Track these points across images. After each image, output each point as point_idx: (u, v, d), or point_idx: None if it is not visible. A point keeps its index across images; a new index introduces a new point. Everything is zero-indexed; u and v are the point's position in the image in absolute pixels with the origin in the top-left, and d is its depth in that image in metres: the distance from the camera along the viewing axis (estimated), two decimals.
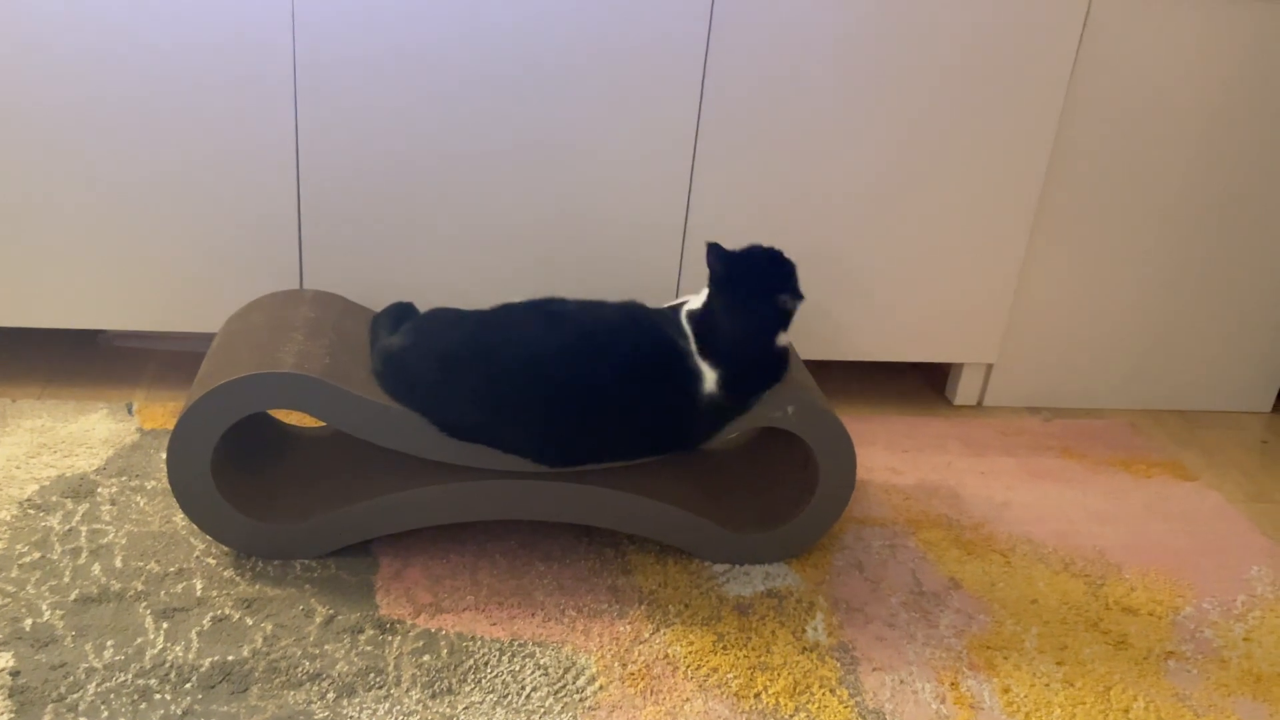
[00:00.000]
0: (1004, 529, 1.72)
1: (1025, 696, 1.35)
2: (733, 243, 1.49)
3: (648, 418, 1.43)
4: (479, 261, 1.84)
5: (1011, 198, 1.94)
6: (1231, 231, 2.06)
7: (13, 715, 1.18)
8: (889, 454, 1.92)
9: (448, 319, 1.48)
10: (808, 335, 1.95)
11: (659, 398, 1.42)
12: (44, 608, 1.33)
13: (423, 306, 1.58)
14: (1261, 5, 1.86)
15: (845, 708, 1.30)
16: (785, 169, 1.85)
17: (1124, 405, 2.20)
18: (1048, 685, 1.38)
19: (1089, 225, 2.00)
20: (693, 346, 1.44)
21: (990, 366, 2.11)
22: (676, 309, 1.50)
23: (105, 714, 1.18)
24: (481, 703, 1.25)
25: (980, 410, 2.13)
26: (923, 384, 2.22)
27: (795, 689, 1.33)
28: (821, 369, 2.13)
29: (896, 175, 1.89)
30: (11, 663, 1.24)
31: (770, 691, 1.32)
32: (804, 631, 1.43)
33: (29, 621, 1.31)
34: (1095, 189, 1.97)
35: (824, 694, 1.32)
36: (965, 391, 2.14)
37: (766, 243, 1.50)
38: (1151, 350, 2.15)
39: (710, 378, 1.42)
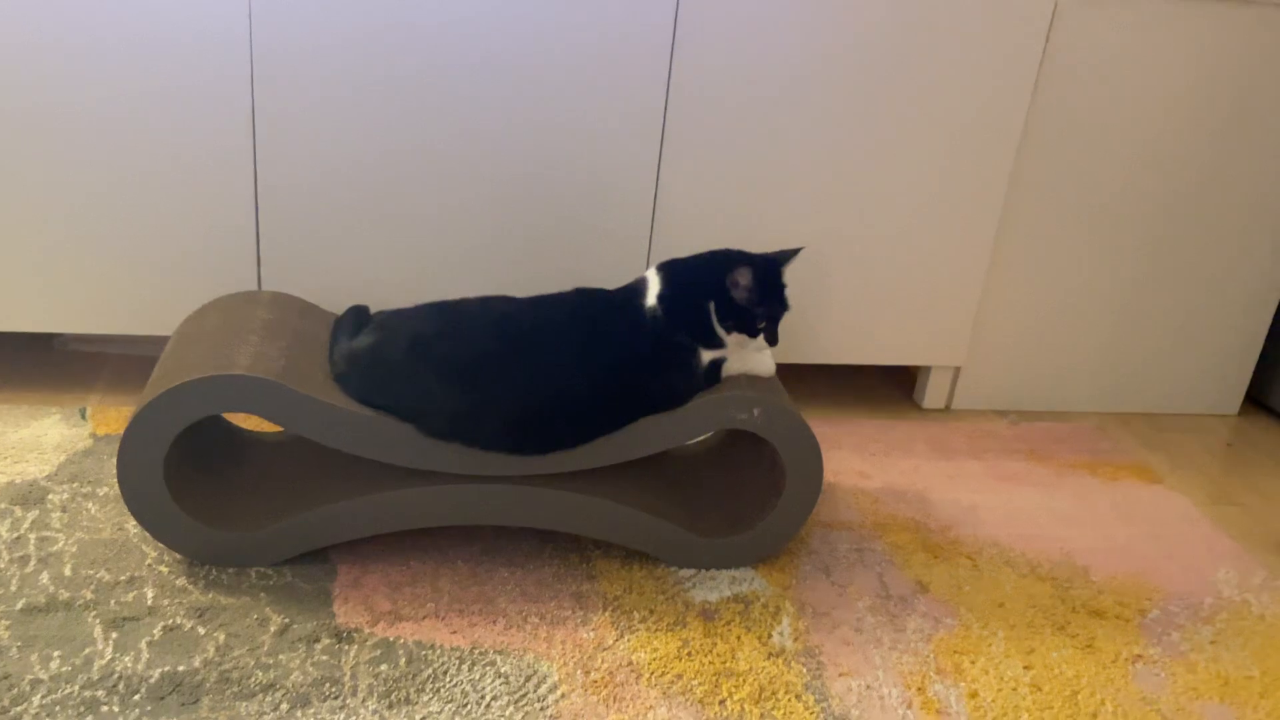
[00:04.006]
0: (971, 532, 1.71)
1: (993, 701, 1.34)
2: (697, 246, 1.47)
3: (616, 375, 1.42)
4: (438, 261, 1.82)
5: (977, 202, 1.93)
6: (1197, 235, 2.06)
7: None
8: (857, 457, 1.91)
9: (407, 312, 1.47)
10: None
11: (622, 352, 1.42)
12: None
13: (383, 306, 1.55)
14: (1226, 7, 1.87)
15: (811, 714, 1.29)
16: (750, 173, 1.84)
17: (1091, 408, 2.20)
18: (1015, 689, 1.37)
19: (1055, 228, 2.00)
20: (647, 301, 1.44)
21: (958, 370, 2.11)
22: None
23: None
24: (440, 713, 1.22)
25: (948, 413, 2.13)
26: (891, 388, 2.21)
27: (761, 695, 1.31)
28: (790, 372, 2.11)
29: (862, 179, 1.88)
30: None
31: (735, 698, 1.30)
32: (770, 637, 1.41)
33: None
34: (1060, 192, 1.97)
35: (790, 700, 1.30)
36: (933, 395, 2.13)
37: (733, 243, 1.48)
38: (1118, 353, 2.15)
39: (661, 318, 1.43)
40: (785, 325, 1.49)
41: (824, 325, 1.98)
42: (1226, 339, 2.18)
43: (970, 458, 1.95)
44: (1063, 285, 2.06)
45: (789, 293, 1.48)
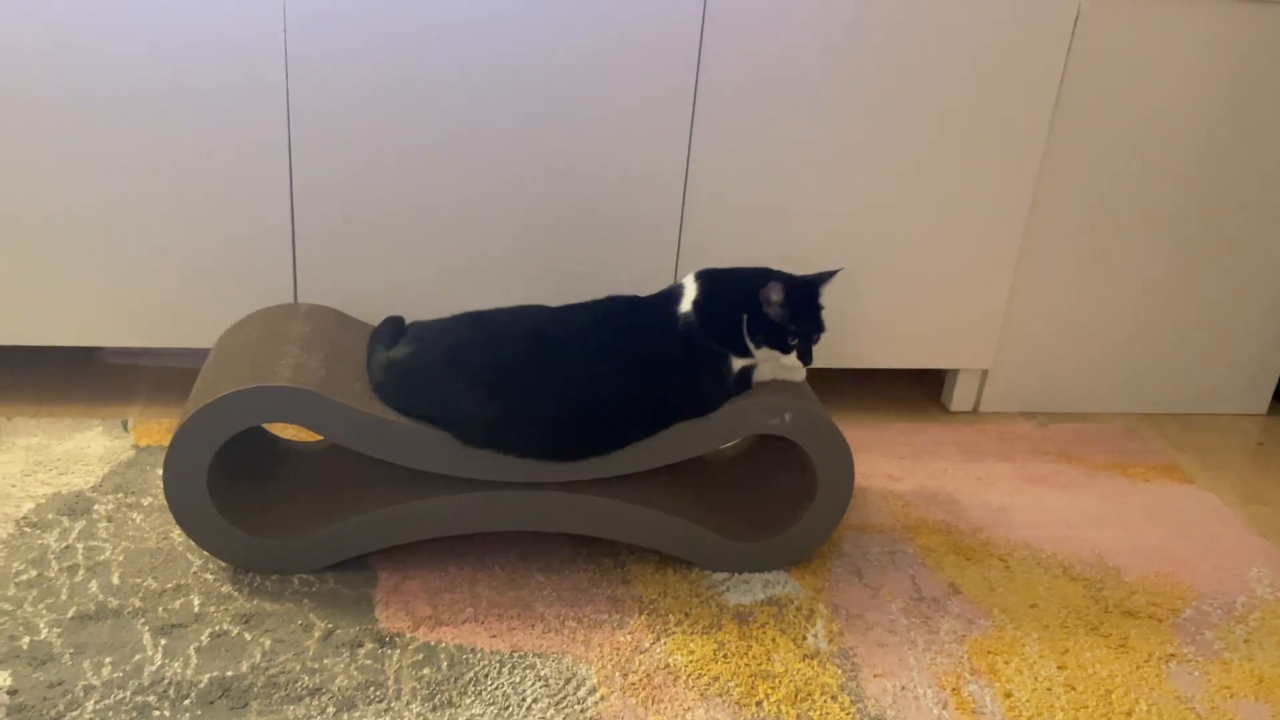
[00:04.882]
0: (1002, 534, 1.72)
1: (1027, 701, 1.35)
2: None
3: (648, 380, 1.44)
4: (472, 269, 1.84)
5: (1003, 205, 1.94)
6: (1225, 234, 2.06)
7: None
8: (887, 461, 1.92)
9: (443, 323, 1.50)
10: None
11: (654, 357, 1.45)
12: (41, 626, 1.32)
13: (418, 315, 1.58)
14: (1254, 7, 1.87)
15: (847, 715, 1.30)
16: (778, 178, 1.85)
17: (1120, 409, 2.20)
18: (1049, 689, 1.38)
19: (1082, 230, 2.01)
20: (681, 307, 1.46)
21: (986, 372, 2.12)
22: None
23: None
24: (482, 715, 1.24)
25: (977, 416, 2.14)
26: (920, 391, 2.22)
27: (797, 696, 1.32)
28: (819, 376, 2.12)
29: (889, 184, 1.89)
30: (9, 681, 1.24)
31: (772, 700, 1.31)
32: (804, 639, 1.43)
33: (26, 640, 1.30)
34: (1087, 194, 1.98)
35: (825, 701, 1.32)
36: (961, 398, 2.14)
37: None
38: (1146, 354, 2.16)
39: (695, 324, 1.45)
40: None
41: (852, 329, 2.00)
42: (1254, 338, 2.18)
43: (999, 459, 1.96)
44: (1089, 287, 2.06)
45: (825, 312, 1.49)
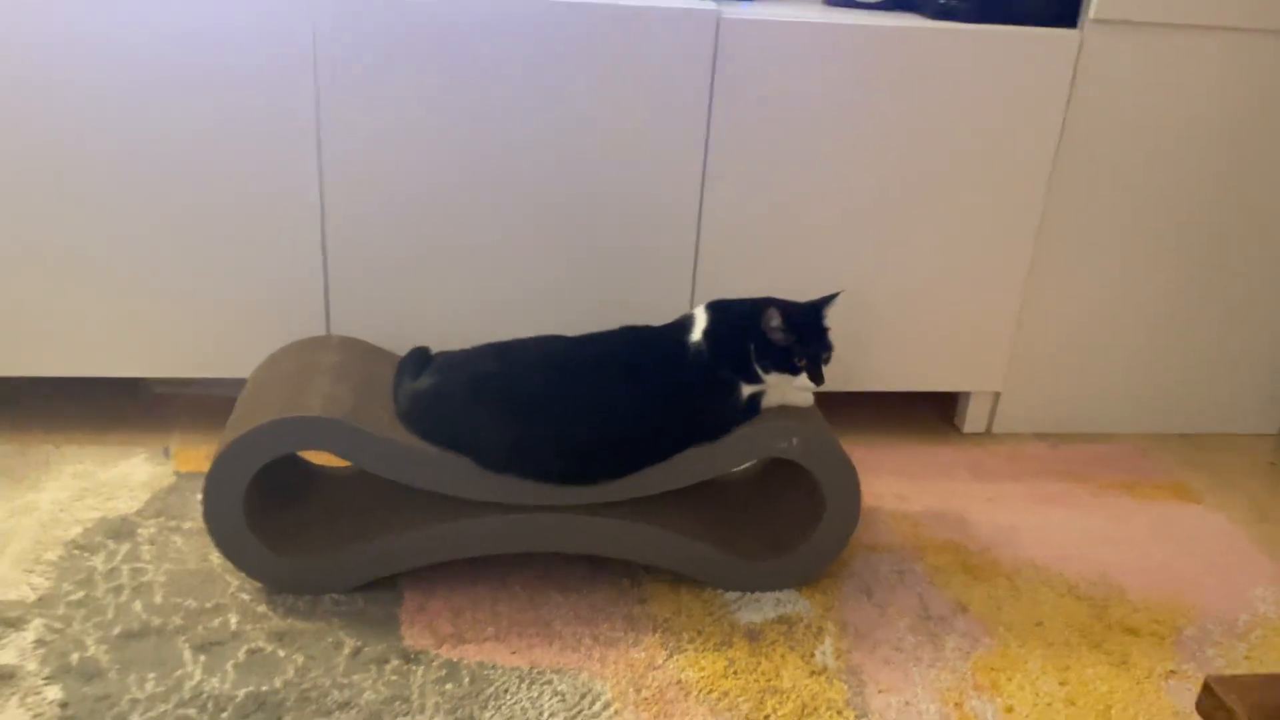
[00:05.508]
0: (1010, 553, 1.77)
1: (1028, 715, 1.40)
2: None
3: (661, 407, 1.51)
4: (495, 304, 1.92)
5: (1011, 232, 1.99)
6: (1234, 254, 2.10)
7: None
8: (898, 481, 1.97)
9: (466, 353, 1.59)
10: None
11: (667, 384, 1.52)
12: (89, 643, 1.41)
13: (443, 345, 1.65)
14: (1251, 36, 1.92)
15: None
16: (790, 210, 1.92)
17: (1131, 429, 2.24)
18: (1050, 704, 1.42)
19: (1089, 253, 2.05)
20: (692, 337, 1.54)
21: (998, 395, 2.16)
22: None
23: None
24: None
25: (989, 437, 2.18)
26: (934, 413, 2.27)
27: (804, 711, 1.38)
28: (834, 400, 2.17)
29: (900, 215, 1.95)
30: (60, 695, 1.32)
31: (779, 714, 1.37)
32: (813, 656, 1.48)
33: (75, 656, 1.38)
34: (1094, 217, 2.02)
35: (831, 715, 1.37)
36: (974, 419, 2.19)
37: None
38: (1157, 375, 2.19)
39: (705, 353, 1.52)
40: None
41: (865, 354, 2.05)
42: (1265, 359, 2.21)
43: (1010, 480, 2.01)
44: (1099, 309, 2.11)
45: (833, 334, 1.56)
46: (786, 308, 1.52)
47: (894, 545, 1.76)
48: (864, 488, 1.89)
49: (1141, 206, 2.03)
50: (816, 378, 1.54)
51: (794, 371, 1.52)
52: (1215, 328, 2.16)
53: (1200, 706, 0.80)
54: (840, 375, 2.06)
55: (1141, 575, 1.73)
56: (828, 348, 1.55)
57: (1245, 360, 2.20)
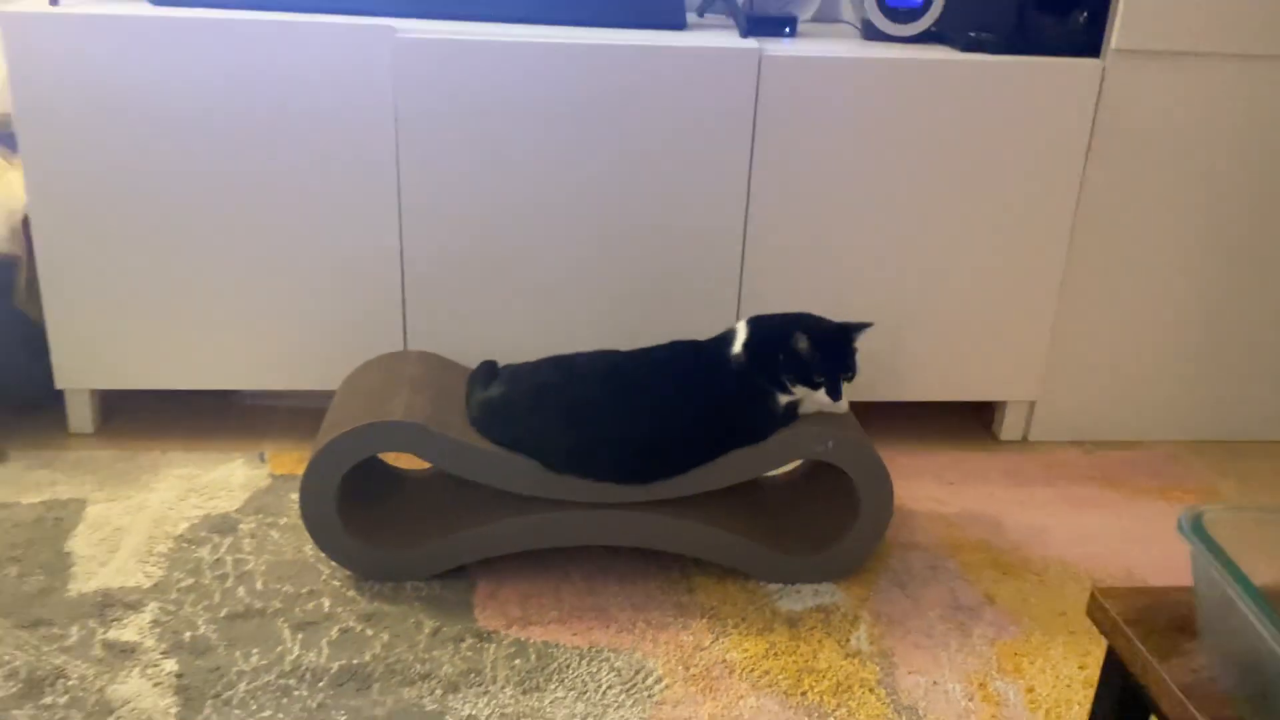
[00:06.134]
0: (1040, 551, 1.88)
1: (1047, 695, 1.52)
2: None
3: (706, 413, 1.66)
4: (556, 321, 2.08)
5: (1043, 250, 2.11)
6: (1263, 265, 2.19)
7: (180, 709, 1.43)
8: (935, 485, 2.09)
9: (530, 366, 1.75)
10: (862, 378, 2.14)
11: (711, 393, 1.67)
12: (200, 623, 1.59)
13: (509, 359, 1.82)
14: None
15: (882, 704, 1.49)
16: (831, 229, 2.06)
17: (1165, 436, 2.33)
18: (1069, 685, 1.54)
19: (1119, 268, 2.16)
20: (733, 349, 1.68)
21: (1033, 404, 2.27)
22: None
23: (254, 707, 1.43)
24: (565, 698, 1.46)
25: (1025, 445, 2.29)
26: (973, 421, 2.38)
27: (838, 689, 1.51)
28: (877, 409, 2.30)
29: (936, 234, 2.08)
30: (176, 667, 1.50)
31: (815, 691, 1.51)
32: (848, 641, 1.62)
33: (188, 634, 1.57)
34: (1123, 232, 2.13)
35: (863, 693, 1.51)
36: (1011, 427, 2.30)
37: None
38: (1193, 382, 2.28)
39: (744, 364, 1.67)
40: (873, 365, 1.69)
41: (907, 365, 2.18)
42: None
43: (1043, 484, 2.12)
44: (1130, 321, 2.21)
45: (877, 347, 1.68)
46: (812, 328, 1.66)
47: (928, 544, 1.89)
48: (903, 492, 2.03)
49: (1169, 222, 2.13)
50: (833, 394, 1.66)
51: (813, 386, 1.66)
52: (1246, 337, 2.25)
53: (1088, 610, 1.04)
54: (883, 385, 2.19)
55: (1165, 571, 1.83)
56: (848, 369, 1.68)
57: (1276, 368, 2.28)
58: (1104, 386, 2.27)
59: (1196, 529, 0.91)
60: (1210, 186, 2.11)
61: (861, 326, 1.70)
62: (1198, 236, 2.16)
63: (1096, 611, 1.03)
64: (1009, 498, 2.06)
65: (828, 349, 1.65)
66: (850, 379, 1.68)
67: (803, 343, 1.63)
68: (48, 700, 1.43)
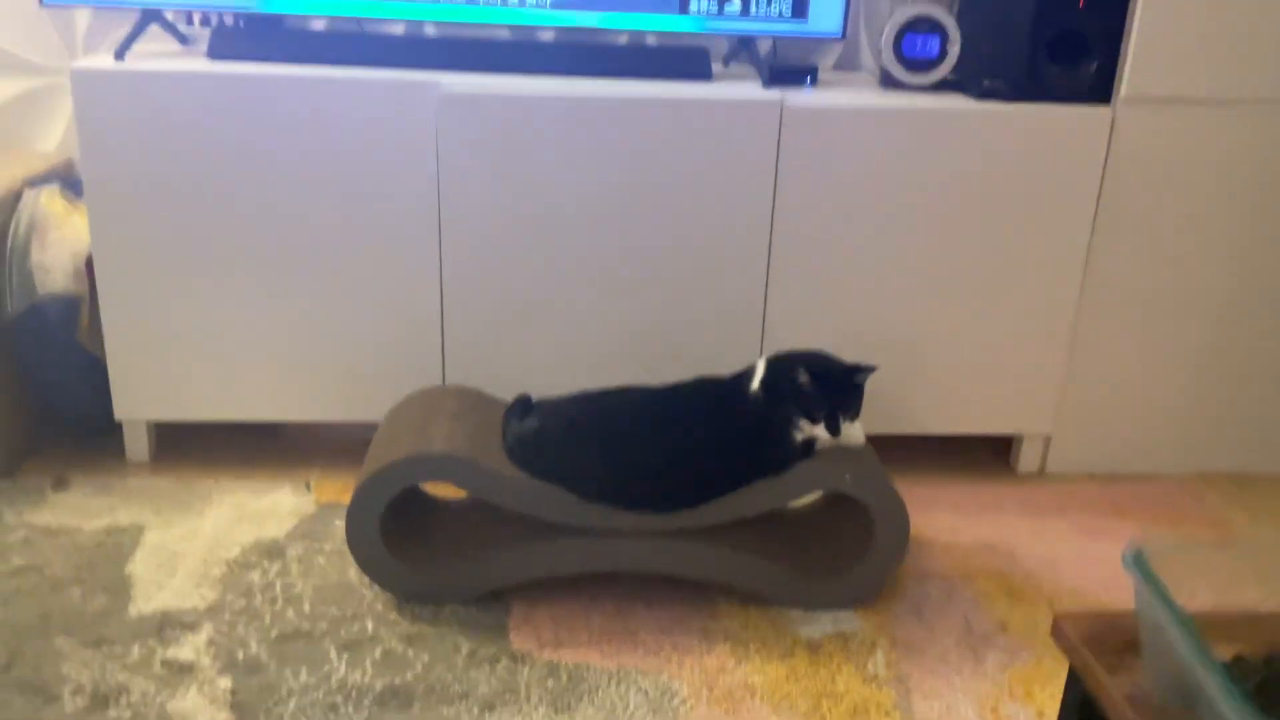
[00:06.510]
0: (1051, 580, 1.94)
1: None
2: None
3: (728, 447, 1.75)
4: (588, 359, 2.18)
5: (1056, 290, 2.19)
6: (1276, 299, 2.24)
7: None
8: (952, 516, 2.16)
9: (563, 400, 1.85)
10: (878, 412, 2.22)
11: (732, 427, 1.76)
12: (252, 643, 1.69)
13: (543, 393, 1.92)
14: None
15: None
16: (850, 271, 2.15)
17: (1180, 470, 2.38)
18: None
19: (1131, 307, 2.23)
20: (752, 385, 1.78)
21: (1049, 437, 2.34)
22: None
23: None
24: (595, 717, 1.55)
25: (1041, 477, 2.35)
26: (990, 455, 2.44)
27: (855, 711, 1.59)
28: (896, 443, 2.37)
29: (952, 274, 2.16)
30: (230, 684, 1.60)
31: (833, 714, 1.58)
32: (866, 666, 1.69)
33: (241, 654, 1.67)
34: (1135, 271, 2.20)
35: (880, 716, 1.58)
36: (1027, 461, 2.37)
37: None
38: (1206, 415, 2.34)
39: (761, 400, 1.76)
40: (887, 400, 1.77)
41: (925, 400, 2.26)
42: None
43: (1057, 516, 2.18)
44: (1144, 356, 2.27)
45: (894, 382, 1.76)
46: (816, 366, 1.75)
47: (944, 572, 1.96)
48: (921, 522, 2.10)
49: (1180, 261, 2.20)
50: (832, 430, 1.75)
51: (814, 421, 1.74)
52: (1256, 372, 2.30)
53: (1051, 631, 1.21)
54: (901, 418, 2.27)
55: None
56: (849, 407, 1.77)
57: None
58: (1117, 422, 2.33)
59: (1138, 562, 1.03)
60: (1218, 226, 2.18)
61: (868, 369, 1.78)
62: (1208, 276, 2.22)
63: (1057, 633, 1.18)
64: (1023, 528, 2.13)
65: (829, 386, 1.74)
66: (852, 418, 1.76)
67: (804, 378, 1.72)
68: (112, 714, 1.53)
